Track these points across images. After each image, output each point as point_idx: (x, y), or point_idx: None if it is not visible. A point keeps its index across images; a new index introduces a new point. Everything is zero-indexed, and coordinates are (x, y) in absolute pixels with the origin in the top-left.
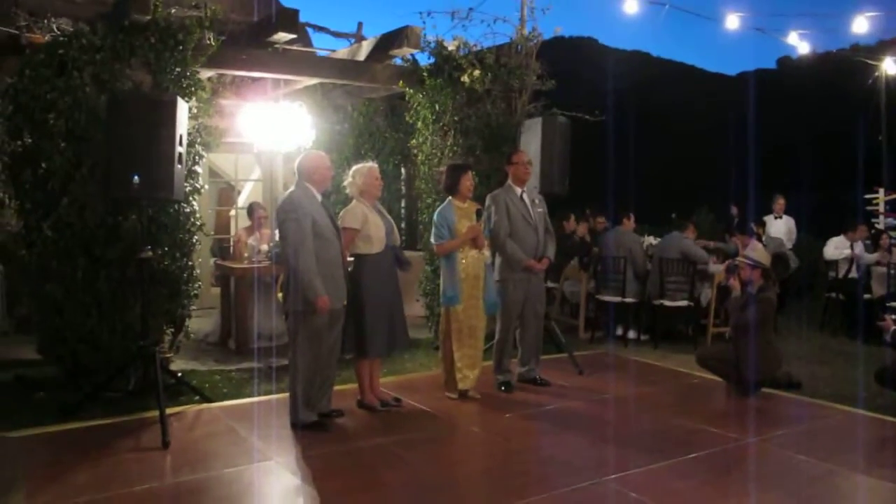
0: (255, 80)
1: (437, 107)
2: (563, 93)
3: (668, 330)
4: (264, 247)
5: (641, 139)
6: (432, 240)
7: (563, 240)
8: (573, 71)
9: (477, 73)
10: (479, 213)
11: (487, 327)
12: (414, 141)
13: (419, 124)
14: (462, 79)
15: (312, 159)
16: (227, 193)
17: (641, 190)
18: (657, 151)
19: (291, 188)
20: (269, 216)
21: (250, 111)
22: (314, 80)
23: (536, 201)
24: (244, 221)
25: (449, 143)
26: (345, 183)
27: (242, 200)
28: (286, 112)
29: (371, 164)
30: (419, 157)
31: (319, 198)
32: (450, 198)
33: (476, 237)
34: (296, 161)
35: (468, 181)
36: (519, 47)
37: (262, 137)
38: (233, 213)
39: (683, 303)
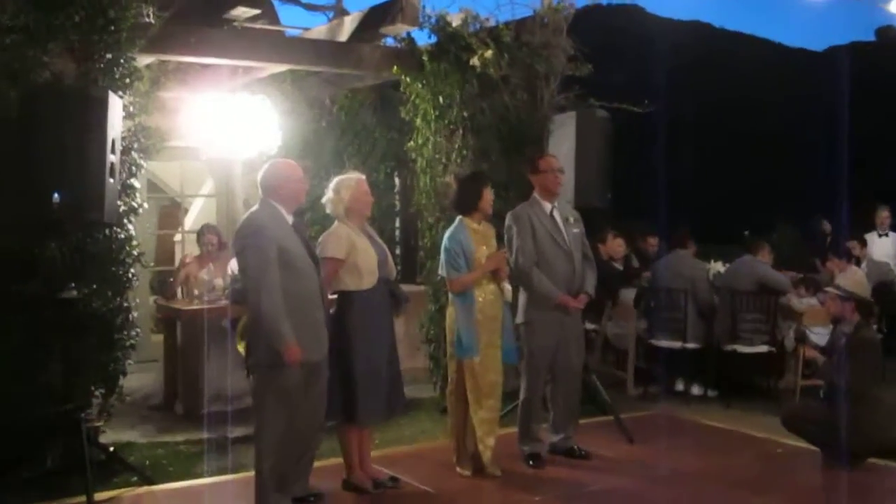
0: (206, 67)
1: (440, 99)
2: (603, 78)
3: (742, 383)
4: (219, 282)
5: (702, 135)
6: (442, 271)
7: (604, 267)
8: (615, 50)
9: (490, 54)
10: (502, 237)
11: (507, 382)
12: (412, 143)
13: (418, 121)
14: (472, 62)
15: (280, 170)
16: (171, 213)
17: (703, 201)
18: (723, 150)
19: (254, 207)
20: (225, 242)
21: (200, 107)
22: (283, 67)
23: (571, 219)
24: (193, 249)
25: (456, 146)
26: (324, 199)
27: (191, 222)
28: (246, 108)
29: (358, 176)
30: (418, 164)
31: (290, 219)
32: (460, 217)
33: (499, 270)
34: (259, 172)
35: (488, 196)
36: (545, 20)
37: (215, 141)
38: (178, 238)
39: (762, 348)
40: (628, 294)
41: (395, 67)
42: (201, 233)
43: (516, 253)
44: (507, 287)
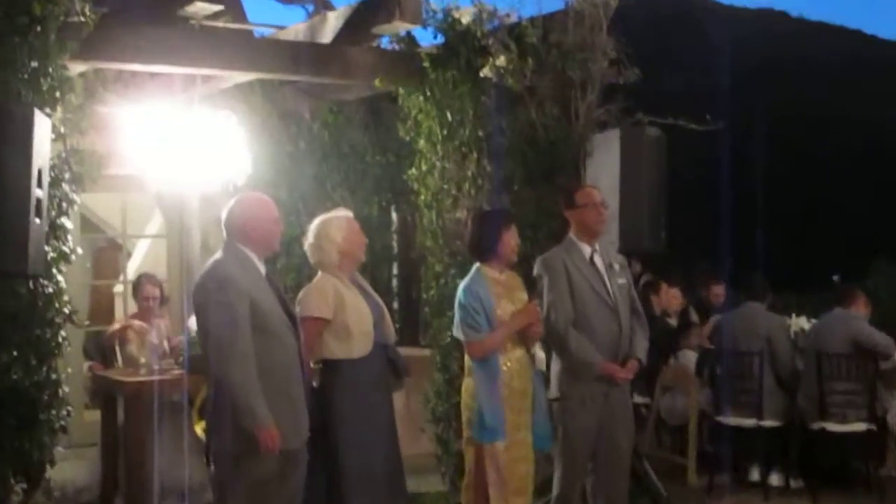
0: (156, 76)
1: (448, 115)
2: (654, 87)
3: (834, 471)
4: (171, 342)
5: (778, 155)
6: (458, 333)
7: (657, 325)
8: (669, 50)
9: (511, 58)
10: (531, 287)
11: (538, 472)
12: (413, 170)
13: (421, 143)
14: (485, 69)
15: (251, 208)
16: (109, 258)
17: (781, 238)
18: (804, 174)
19: (217, 254)
20: (168, 296)
21: (148, 126)
22: (251, 76)
23: (615, 266)
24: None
25: (470, 173)
26: (307, 245)
27: (135, 268)
28: (206, 127)
29: (347, 214)
30: (422, 196)
31: (262, 268)
32: (478, 265)
33: (531, 327)
34: (223, 209)
35: (512, 239)
36: (581, 15)
37: (166, 168)
38: (119, 288)
39: (859, 426)
40: (688, 358)
41: (391, 76)
42: (138, 284)
43: (548, 310)
44: (539, 354)
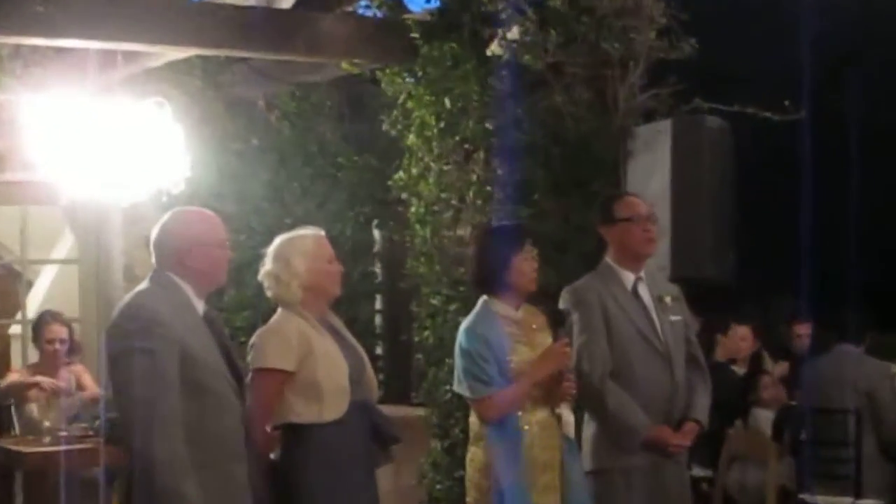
0: (64, 52)
1: (447, 102)
2: (717, 64)
3: None
4: (84, 400)
5: (881, 155)
6: (460, 387)
7: (722, 376)
8: (736, 16)
9: (528, 28)
10: (558, 325)
11: None
12: (401, 174)
13: (411, 138)
14: (495, 42)
15: (187, 226)
16: (5, 290)
17: (883, 262)
18: None
19: (142, 285)
20: (78, 341)
21: (55, 119)
22: (188, 52)
23: (667, 300)
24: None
25: (475, 179)
26: (262, 274)
27: (38, 303)
28: (129, 119)
29: (315, 234)
30: (413, 209)
31: (200, 306)
32: (485, 299)
33: (560, 377)
34: (153, 229)
35: (527, 264)
36: None
37: (78, 174)
38: (16, 329)
39: None
40: (762, 419)
41: (373, 51)
42: (41, 324)
43: (578, 357)
44: (568, 416)
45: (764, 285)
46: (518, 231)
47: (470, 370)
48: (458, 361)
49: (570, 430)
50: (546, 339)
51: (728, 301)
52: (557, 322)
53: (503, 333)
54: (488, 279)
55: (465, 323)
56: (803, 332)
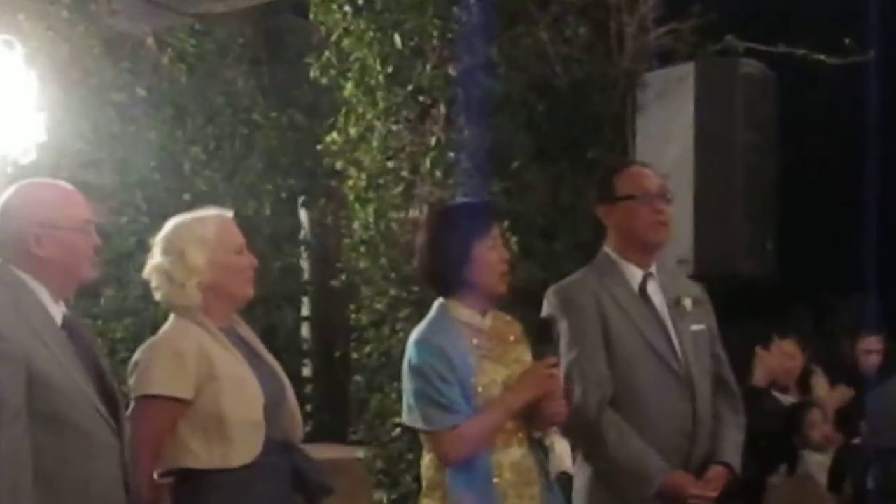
0: None
1: (397, 38)
2: None
3: None
4: None
5: None
6: (412, 419)
7: (761, 405)
8: None
9: None
10: (541, 337)
11: None
12: (335, 136)
13: (349, 88)
14: None
15: (39, 203)
16: None
17: None
18: None
19: None
20: None
21: None
22: None
23: (687, 304)
24: None
25: (432, 142)
26: (148, 269)
27: None
28: None
29: (221, 216)
30: (350, 182)
31: (60, 312)
32: (441, 302)
33: (548, 399)
34: None
35: (495, 254)
36: None
37: None
38: None
39: None
40: (814, 463)
41: None
42: None
43: (567, 379)
44: (562, 447)
45: (817, 283)
46: (483, 209)
47: (424, 393)
48: (407, 384)
49: (565, 464)
50: (523, 354)
51: (769, 305)
52: (541, 333)
53: (466, 347)
54: (443, 275)
55: (415, 333)
56: (871, 347)
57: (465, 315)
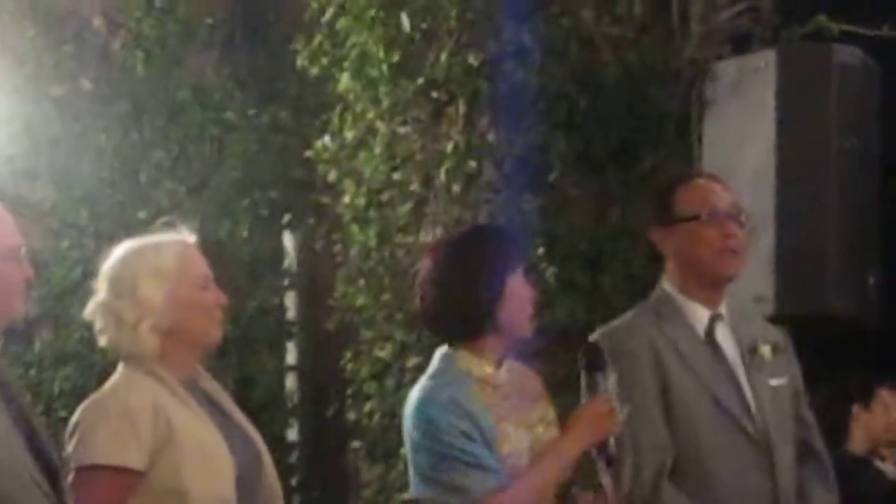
0: None
1: (404, 21)
2: None
3: None
4: None
5: None
6: (434, 489)
7: (860, 478)
8: None
9: None
10: (592, 365)
11: None
12: (328, 140)
13: (344, 81)
14: None
15: None
16: None
17: None
18: None
19: None
20: None
21: None
22: None
23: (766, 352)
24: None
25: (449, 149)
26: (90, 308)
27: None
28: None
29: (182, 241)
30: (347, 198)
31: None
32: (446, 351)
33: (608, 462)
34: None
35: (525, 290)
36: None
37: None
38: None
39: None
40: None
41: None
42: None
43: (617, 445)
44: None
45: None
46: (511, 233)
47: (448, 455)
48: (418, 452)
49: None
50: (547, 412)
51: (871, 354)
52: (591, 362)
53: (480, 406)
54: (461, 319)
55: (418, 390)
56: None
57: (475, 367)
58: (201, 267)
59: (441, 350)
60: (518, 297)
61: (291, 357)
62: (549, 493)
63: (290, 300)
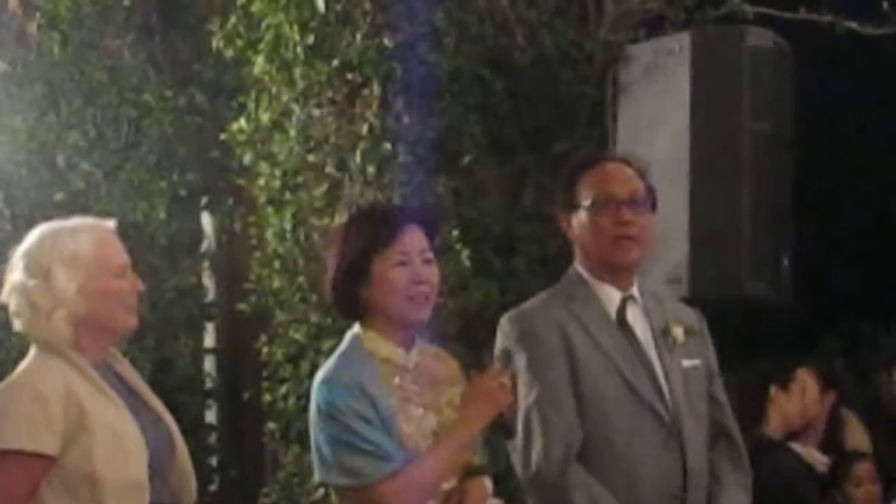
0: None
1: (318, 2)
2: None
3: None
4: None
5: None
6: (334, 475)
7: (773, 461)
8: None
9: None
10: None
11: None
12: (243, 123)
13: (259, 63)
14: None
15: None
16: None
17: None
18: None
19: None
20: None
21: None
22: None
23: (678, 334)
24: None
25: (364, 131)
26: (6, 287)
27: None
28: None
29: (98, 226)
30: (262, 182)
31: None
32: (356, 331)
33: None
34: None
35: (399, 273)
36: None
37: None
38: None
39: None
40: None
41: None
42: None
43: (526, 428)
44: None
45: (849, 310)
46: (389, 214)
47: (344, 440)
48: (319, 433)
49: None
50: (459, 396)
51: (788, 337)
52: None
53: (386, 388)
54: (341, 297)
55: (323, 371)
56: None
57: (383, 349)
58: (118, 255)
59: (352, 331)
60: (387, 281)
61: (210, 339)
62: (450, 475)
63: (209, 282)
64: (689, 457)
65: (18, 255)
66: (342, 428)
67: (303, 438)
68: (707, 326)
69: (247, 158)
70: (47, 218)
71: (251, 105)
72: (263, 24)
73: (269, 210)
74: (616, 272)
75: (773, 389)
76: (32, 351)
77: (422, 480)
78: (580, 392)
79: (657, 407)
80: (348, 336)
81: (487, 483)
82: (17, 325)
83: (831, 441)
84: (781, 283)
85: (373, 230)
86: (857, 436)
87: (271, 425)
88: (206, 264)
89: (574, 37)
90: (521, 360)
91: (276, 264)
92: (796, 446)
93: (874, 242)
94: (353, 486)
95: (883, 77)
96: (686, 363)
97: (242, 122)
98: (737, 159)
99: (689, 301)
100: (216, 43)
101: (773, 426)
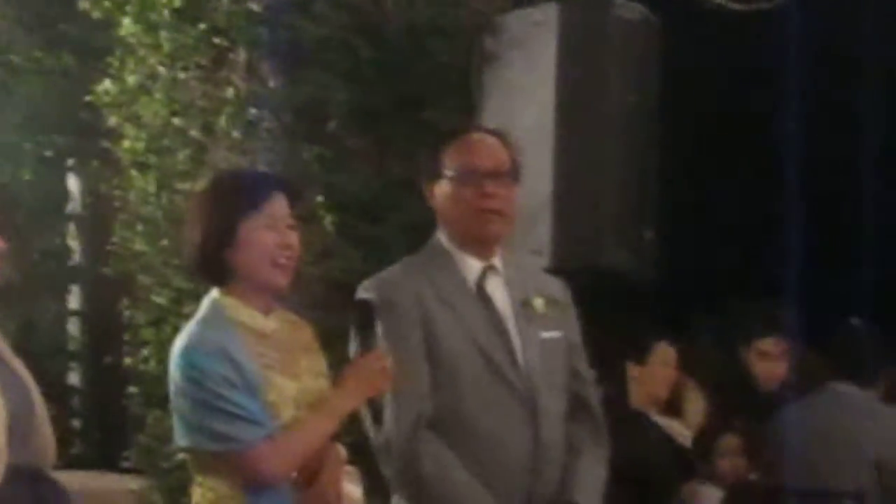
0: None
1: None
2: None
3: None
4: None
5: None
6: (200, 440)
7: (634, 432)
8: None
9: None
10: (362, 323)
11: None
12: (109, 84)
13: (126, 24)
14: None
15: None
16: None
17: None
18: None
19: None
20: None
21: None
22: None
23: (538, 305)
24: None
25: (230, 95)
26: None
27: None
28: None
29: None
30: (127, 144)
31: None
32: (214, 297)
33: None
34: None
35: (267, 236)
36: None
37: None
38: None
39: None
40: (706, 500)
41: None
42: None
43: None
44: (353, 492)
45: (720, 285)
46: (257, 179)
47: (211, 405)
48: (182, 399)
49: None
50: (316, 363)
51: (655, 311)
52: (361, 320)
53: (248, 354)
54: (205, 260)
55: (183, 337)
56: (768, 349)
57: (244, 315)
58: None
59: (210, 296)
60: (254, 245)
61: (75, 302)
62: (319, 447)
63: (75, 244)
64: (544, 429)
65: None
66: (211, 394)
67: (164, 403)
68: (572, 298)
69: (112, 120)
70: None
71: (117, 67)
72: None
73: (134, 173)
74: (478, 243)
75: (630, 363)
76: None
77: (296, 448)
78: (436, 361)
79: (511, 378)
80: (206, 301)
81: (341, 450)
82: None
83: (670, 409)
84: (644, 254)
85: (240, 194)
86: (696, 405)
87: (133, 389)
88: (71, 226)
89: (442, 7)
90: (378, 329)
91: (140, 227)
92: (658, 418)
93: (748, 215)
94: (224, 452)
95: (750, 52)
96: (545, 335)
97: (108, 83)
98: (602, 131)
99: (551, 272)
100: (83, 3)
101: (636, 398)
